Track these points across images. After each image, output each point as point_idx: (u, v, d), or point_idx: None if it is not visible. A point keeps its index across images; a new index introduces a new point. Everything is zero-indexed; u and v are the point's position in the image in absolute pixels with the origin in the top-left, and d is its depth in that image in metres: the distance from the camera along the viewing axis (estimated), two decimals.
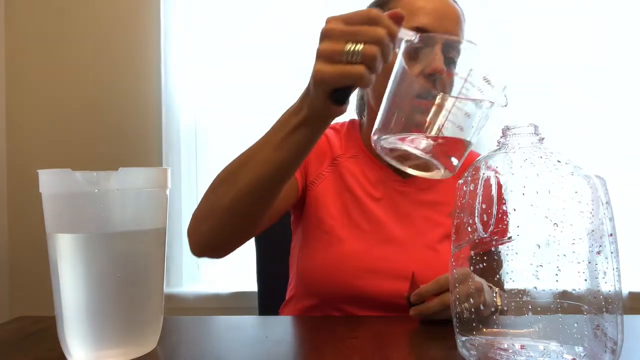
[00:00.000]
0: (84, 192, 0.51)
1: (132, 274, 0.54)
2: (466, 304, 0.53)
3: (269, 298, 1.21)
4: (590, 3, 1.56)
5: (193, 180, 1.61)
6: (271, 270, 1.21)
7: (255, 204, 0.66)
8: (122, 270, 0.53)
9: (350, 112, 0.97)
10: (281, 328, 0.70)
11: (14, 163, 1.64)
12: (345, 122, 0.95)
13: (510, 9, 1.58)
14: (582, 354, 0.46)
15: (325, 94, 0.54)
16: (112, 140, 1.62)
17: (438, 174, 0.55)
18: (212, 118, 1.66)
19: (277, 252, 1.13)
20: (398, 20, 0.54)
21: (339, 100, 0.55)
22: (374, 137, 0.55)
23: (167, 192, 0.59)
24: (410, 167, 0.56)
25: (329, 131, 0.93)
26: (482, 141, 1.51)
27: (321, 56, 0.53)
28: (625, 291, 1.40)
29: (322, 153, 0.89)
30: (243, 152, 0.67)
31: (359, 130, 0.93)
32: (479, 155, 0.66)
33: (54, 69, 1.64)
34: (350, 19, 0.52)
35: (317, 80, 0.54)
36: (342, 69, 0.51)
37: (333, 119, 0.60)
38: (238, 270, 1.58)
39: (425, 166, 0.55)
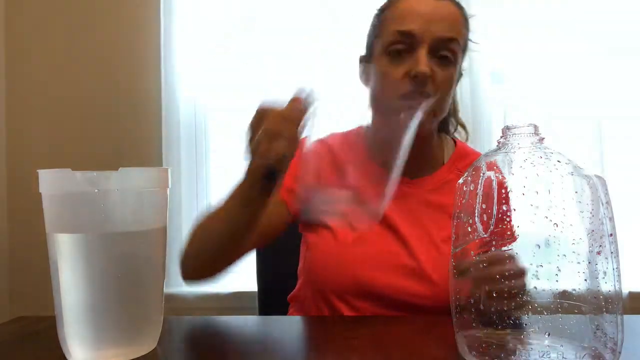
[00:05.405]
0: (84, 192, 0.51)
1: (133, 274, 0.54)
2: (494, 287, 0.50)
3: (269, 298, 1.21)
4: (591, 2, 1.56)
5: (193, 180, 1.61)
6: (271, 270, 1.21)
7: (224, 246, 0.80)
8: (122, 270, 0.53)
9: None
10: (281, 328, 0.70)
11: (14, 163, 1.64)
12: (351, 130, 0.96)
13: (511, 6, 1.58)
14: (582, 354, 0.46)
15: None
16: (112, 140, 1.62)
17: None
18: (212, 118, 1.66)
19: (277, 252, 1.12)
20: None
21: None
22: None
23: (167, 192, 0.59)
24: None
25: (332, 139, 0.94)
26: (482, 141, 1.52)
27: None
28: (625, 291, 1.40)
29: (333, 165, 0.89)
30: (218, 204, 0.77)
31: (364, 138, 0.93)
32: (479, 154, 0.66)
33: (53, 69, 1.64)
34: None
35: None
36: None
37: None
38: (238, 270, 1.58)
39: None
